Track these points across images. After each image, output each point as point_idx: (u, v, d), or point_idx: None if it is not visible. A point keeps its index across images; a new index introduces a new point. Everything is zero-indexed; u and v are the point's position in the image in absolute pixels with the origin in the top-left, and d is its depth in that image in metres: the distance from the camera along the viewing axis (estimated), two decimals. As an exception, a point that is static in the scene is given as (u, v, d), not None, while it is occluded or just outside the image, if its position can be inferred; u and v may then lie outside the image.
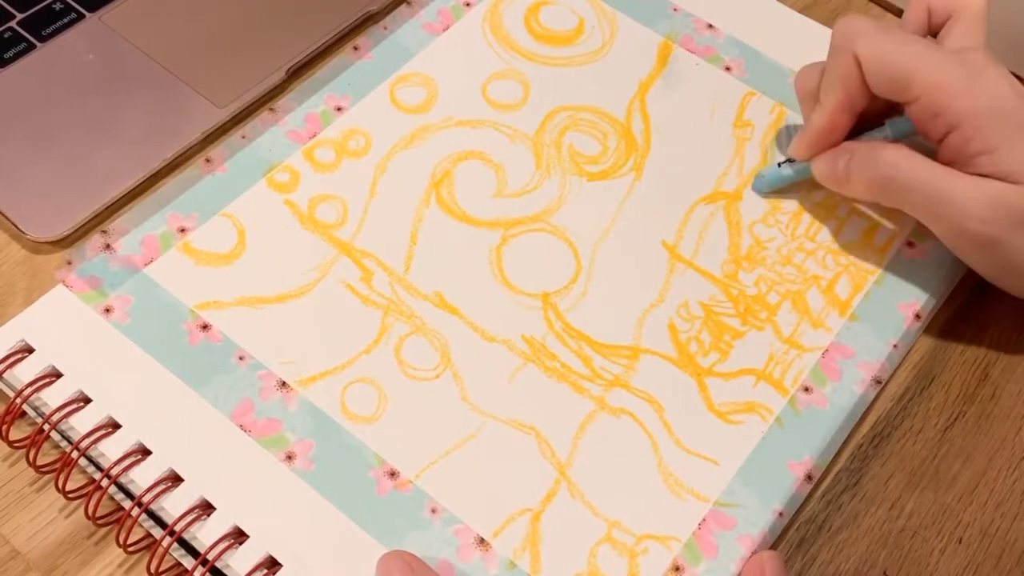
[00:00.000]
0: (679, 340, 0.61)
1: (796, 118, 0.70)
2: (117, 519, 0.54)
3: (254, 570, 0.52)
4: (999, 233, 0.58)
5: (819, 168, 0.65)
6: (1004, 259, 0.60)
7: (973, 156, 0.58)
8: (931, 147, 0.61)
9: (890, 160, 0.61)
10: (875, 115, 0.64)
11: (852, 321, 0.63)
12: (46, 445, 0.57)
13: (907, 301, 0.63)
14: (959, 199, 0.58)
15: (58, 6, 0.72)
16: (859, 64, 0.61)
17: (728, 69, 0.73)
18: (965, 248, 0.61)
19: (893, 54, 0.60)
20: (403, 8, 0.74)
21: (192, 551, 0.54)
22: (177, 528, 0.53)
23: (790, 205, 0.67)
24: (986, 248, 0.59)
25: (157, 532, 0.55)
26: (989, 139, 0.58)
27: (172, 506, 0.54)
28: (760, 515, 0.56)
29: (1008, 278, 0.62)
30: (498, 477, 0.56)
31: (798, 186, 0.67)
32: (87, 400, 0.56)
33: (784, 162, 0.67)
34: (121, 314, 0.59)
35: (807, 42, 0.74)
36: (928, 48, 0.60)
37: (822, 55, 0.72)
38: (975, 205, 0.58)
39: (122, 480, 0.55)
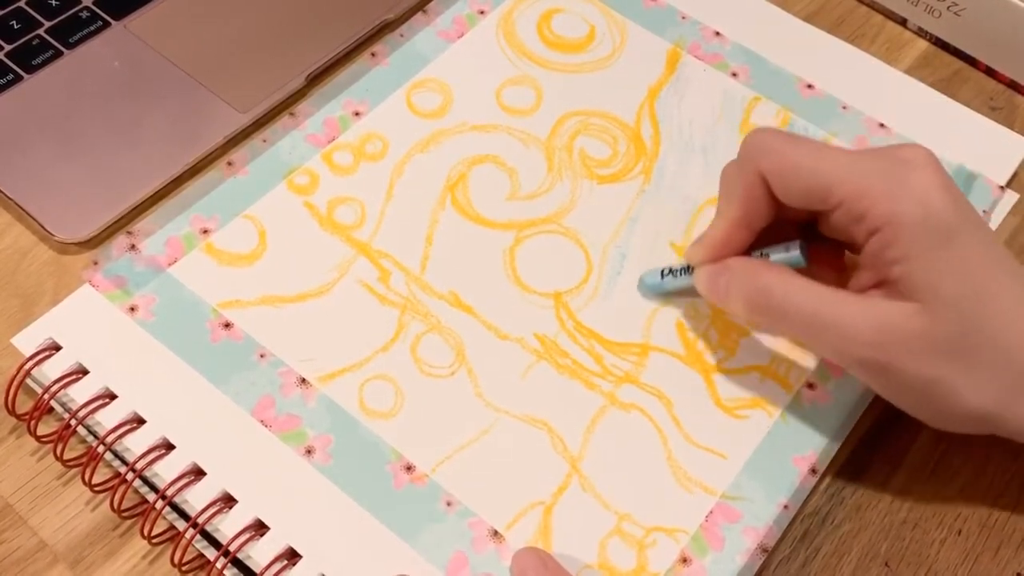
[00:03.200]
0: (687, 338, 0.61)
1: (800, 123, 0.70)
2: (141, 512, 0.54)
3: (274, 561, 0.52)
4: (889, 359, 0.53)
5: (700, 281, 0.59)
6: (898, 385, 0.54)
7: (890, 263, 0.53)
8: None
9: (767, 282, 0.56)
10: (796, 221, 0.58)
11: (855, 320, 0.62)
12: (73, 440, 0.57)
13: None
14: (843, 324, 0.53)
15: (84, 14, 0.72)
16: (764, 180, 0.56)
17: (735, 75, 0.72)
18: (854, 372, 0.56)
19: (807, 165, 0.55)
20: (419, 16, 0.74)
21: (214, 542, 0.54)
22: (200, 520, 0.53)
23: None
24: (877, 374, 0.54)
25: (180, 524, 0.55)
26: (909, 247, 0.52)
27: (195, 499, 0.54)
28: (765, 508, 0.56)
29: (909, 406, 0.56)
30: (511, 471, 0.56)
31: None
32: (112, 396, 0.56)
33: (668, 271, 0.62)
34: (145, 313, 0.59)
35: (811, 49, 0.74)
36: (845, 153, 0.56)
37: (826, 62, 0.72)
38: (861, 330, 0.53)
39: (146, 474, 0.55)
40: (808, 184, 0.55)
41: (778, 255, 0.57)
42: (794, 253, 0.57)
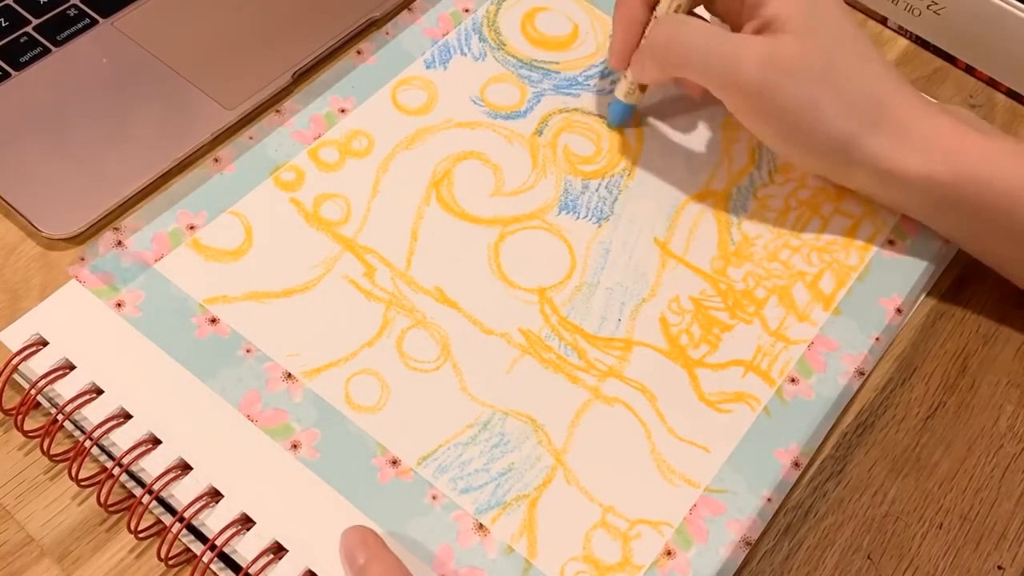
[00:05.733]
0: (670, 333, 0.61)
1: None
2: (128, 506, 0.54)
3: (260, 555, 0.52)
4: (769, 79, 0.59)
5: (633, 70, 0.66)
6: (774, 109, 0.60)
7: (762, 4, 0.61)
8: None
9: (670, 23, 0.63)
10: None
11: (836, 315, 0.62)
12: (59, 435, 0.56)
13: (888, 296, 0.63)
14: (734, 53, 0.60)
15: (72, 12, 0.71)
16: None
17: (717, 73, 0.72)
18: (738, 101, 0.62)
19: None
20: (405, 14, 0.73)
21: (201, 537, 0.53)
22: (186, 515, 0.52)
23: (777, 203, 0.66)
24: (758, 99, 0.60)
25: (167, 519, 0.54)
26: None
27: (181, 493, 0.53)
28: (748, 501, 0.56)
29: (780, 133, 0.62)
30: (496, 465, 0.56)
31: (784, 186, 0.67)
32: (99, 391, 0.56)
33: (614, 96, 0.68)
34: (132, 308, 0.59)
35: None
36: None
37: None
38: (748, 56, 0.60)
39: (133, 468, 0.54)
40: None
41: None
42: None
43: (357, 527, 0.52)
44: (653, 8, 0.65)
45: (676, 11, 0.64)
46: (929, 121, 0.60)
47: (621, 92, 0.67)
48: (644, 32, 0.65)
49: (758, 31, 0.61)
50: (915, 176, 0.60)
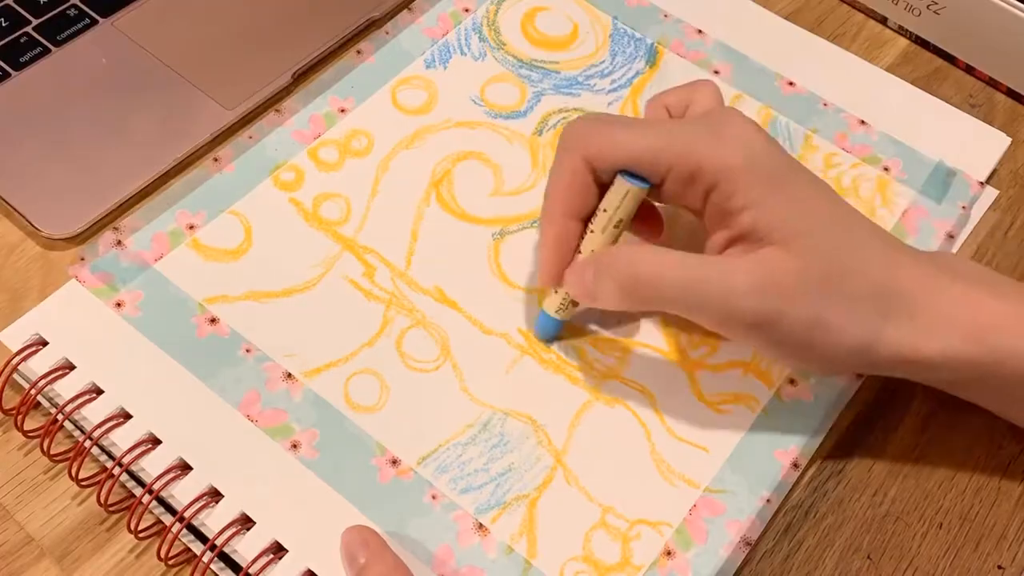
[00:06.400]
0: (670, 334, 0.61)
1: (781, 120, 0.70)
2: (128, 506, 0.54)
3: (260, 555, 0.52)
4: (771, 306, 0.51)
5: (570, 286, 0.57)
6: (782, 335, 0.52)
7: (737, 212, 0.53)
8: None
9: (631, 259, 0.54)
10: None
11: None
12: (59, 435, 0.56)
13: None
14: (721, 283, 0.52)
15: (72, 12, 0.71)
16: (588, 166, 0.55)
17: (716, 73, 0.72)
18: (739, 334, 0.54)
19: (627, 139, 0.54)
20: (404, 14, 0.73)
21: (201, 537, 0.53)
22: (186, 515, 0.52)
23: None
24: (761, 328, 0.52)
25: (167, 519, 0.54)
26: (750, 191, 0.52)
27: (181, 493, 0.53)
28: (748, 501, 0.55)
29: (794, 355, 0.54)
30: (496, 465, 0.56)
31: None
32: (99, 391, 0.56)
33: (543, 311, 0.59)
34: (132, 308, 0.59)
35: (792, 47, 0.74)
36: (660, 122, 0.56)
37: (807, 59, 0.72)
38: (740, 283, 0.52)
39: (133, 468, 0.54)
40: (633, 154, 0.54)
41: (603, 212, 0.56)
42: (638, 183, 0.54)
43: (358, 527, 0.52)
44: (586, 221, 0.56)
45: (616, 227, 0.55)
46: (943, 295, 0.54)
47: (552, 307, 0.59)
48: (578, 246, 0.57)
49: (732, 243, 0.54)
50: (941, 360, 0.53)
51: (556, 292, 0.58)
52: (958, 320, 0.53)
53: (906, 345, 0.53)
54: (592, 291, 0.55)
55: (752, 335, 0.53)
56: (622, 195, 0.55)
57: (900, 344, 0.53)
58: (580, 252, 0.57)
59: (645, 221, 0.59)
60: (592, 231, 0.56)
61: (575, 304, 0.58)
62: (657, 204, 0.59)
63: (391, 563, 0.50)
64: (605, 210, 0.55)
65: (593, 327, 0.61)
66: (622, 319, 0.61)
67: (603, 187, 0.56)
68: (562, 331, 0.60)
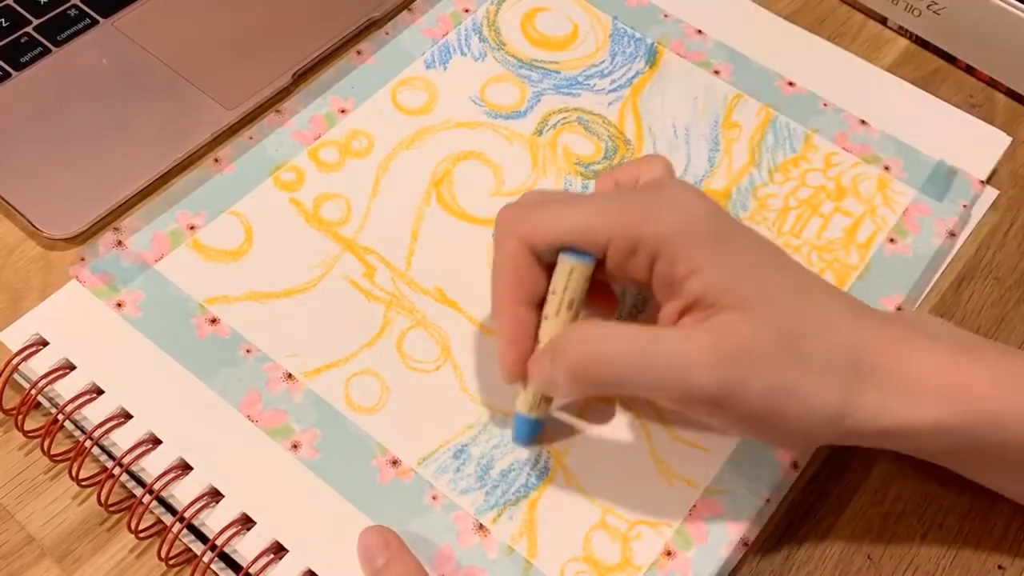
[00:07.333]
0: (670, 333, 0.61)
1: (782, 119, 0.70)
2: (129, 506, 0.54)
3: (261, 555, 0.52)
4: (732, 377, 0.48)
5: (534, 382, 0.53)
6: (747, 407, 0.49)
7: (684, 280, 0.50)
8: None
9: (582, 338, 0.51)
10: None
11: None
12: (60, 435, 0.56)
13: (889, 295, 0.63)
14: (676, 355, 0.49)
15: (73, 12, 0.71)
16: (528, 249, 0.53)
17: (717, 73, 0.72)
18: (701, 409, 0.50)
19: (564, 215, 0.53)
20: (404, 14, 0.73)
21: (201, 537, 0.53)
22: (187, 515, 0.52)
23: (777, 203, 0.66)
24: (723, 400, 0.49)
25: (167, 519, 0.54)
26: (693, 256, 0.50)
27: (182, 493, 0.53)
28: (748, 502, 0.55)
29: (761, 428, 0.51)
30: (496, 465, 0.56)
31: (783, 185, 0.67)
32: (99, 391, 0.56)
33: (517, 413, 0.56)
34: (132, 308, 0.59)
35: (793, 47, 0.74)
36: (594, 197, 0.55)
37: (807, 59, 0.71)
38: (697, 354, 0.49)
39: (133, 468, 0.54)
40: (571, 231, 0.52)
41: (555, 294, 0.53)
42: (581, 259, 0.52)
43: (377, 526, 0.52)
44: (539, 307, 0.54)
45: (570, 308, 0.53)
46: (914, 358, 0.51)
47: (524, 406, 0.55)
48: (536, 335, 0.54)
49: (685, 313, 0.51)
50: (917, 429, 0.50)
51: (525, 390, 0.55)
52: (941, 386, 0.50)
53: (878, 412, 0.50)
54: (552, 381, 0.52)
55: (715, 409, 0.50)
56: (567, 273, 0.53)
57: (873, 411, 0.50)
58: (540, 342, 0.54)
59: (598, 298, 0.57)
60: (546, 317, 0.53)
61: (548, 400, 0.55)
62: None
63: (412, 566, 0.50)
64: (554, 292, 0.53)
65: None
66: (621, 317, 0.61)
67: (549, 269, 0.54)
68: (539, 433, 0.57)
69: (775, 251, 0.53)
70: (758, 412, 0.49)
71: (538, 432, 0.56)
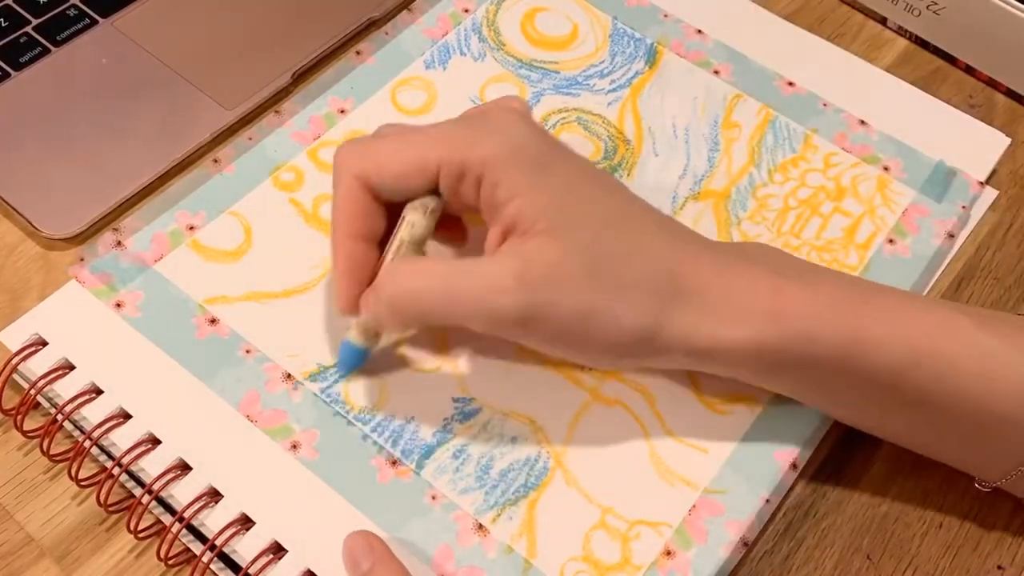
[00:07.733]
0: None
1: (781, 119, 0.70)
2: (128, 506, 0.54)
3: (260, 555, 0.52)
4: (540, 298, 0.50)
5: (363, 317, 0.55)
6: (557, 328, 0.51)
7: (504, 204, 0.51)
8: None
9: (394, 273, 0.53)
10: None
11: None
12: (59, 435, 0.56)
13: (889, 295, 0.63)
14: (482, 281, 0.50)
15: (72, 12, 0.71)
16: (363, 184, 0.54)
17: (716, 73, 0.72)
18: (511, 332, 0.52)
19: (393, 148, 0.54)
20: (404, 14, 0.73)
21: (201, 537, 0.53)
22: (186, 515, 0.52)
23: (776, 203, 0.66)
24: (535, 323, 0.50)
25: (167, 519, 0.54)
26: (513, 180, 0.51)
27: (181, 494, 0.53)
28: (747, 502, 0.55)
29: (572, 347, 0.53)
30: (496, 465, 0.56)
31: (783, 185, 0.67)
32: (99, 391, 0.56)
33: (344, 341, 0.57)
34: (132, 309, 0.59)
35: (793, 47, 0.74)
36: (427, 126, 0.55)
37: (807, 59, 0.71)
38: (501, 279, 0.50)
39: (132, 468, 0.54)
40: (403, 164, 0.53)
41: (412, 219, 0.54)
42: (424, 204, 0.54)
43: (362, 531, 0.52)
44: (378, 243, 0.55)
45: (402, 246, 0.54)
46: (736, 280, 0.53)
47: (354, 335, 0.56)
48: (374, 270, 0.55)
49: (505, 236, 0.52)
50: (738, 347, 0.52)
51: (356, 322, 0.56)
52: (755, 306, 0.52)
53: (695, 331, 0.52)
54: (378, 316, 0.54)
55: (523, 332, 0.51)
56: (401, 215, 0.54)
57: (689, 330, 0.52)
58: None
59: (449, 230, 0.58)
60: (385, 258, 0.54)
61: (378, 334, 0.56)
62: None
63: (397, 569, 0.50)
64: (394, 233, 0.55)
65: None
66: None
67: (386, 204, 0.54)
68: (364, 363, 0.57)
69: (600, 177, 0.54)
70: (566, 332, 0.51)
71: (362, 363, 0.57)
